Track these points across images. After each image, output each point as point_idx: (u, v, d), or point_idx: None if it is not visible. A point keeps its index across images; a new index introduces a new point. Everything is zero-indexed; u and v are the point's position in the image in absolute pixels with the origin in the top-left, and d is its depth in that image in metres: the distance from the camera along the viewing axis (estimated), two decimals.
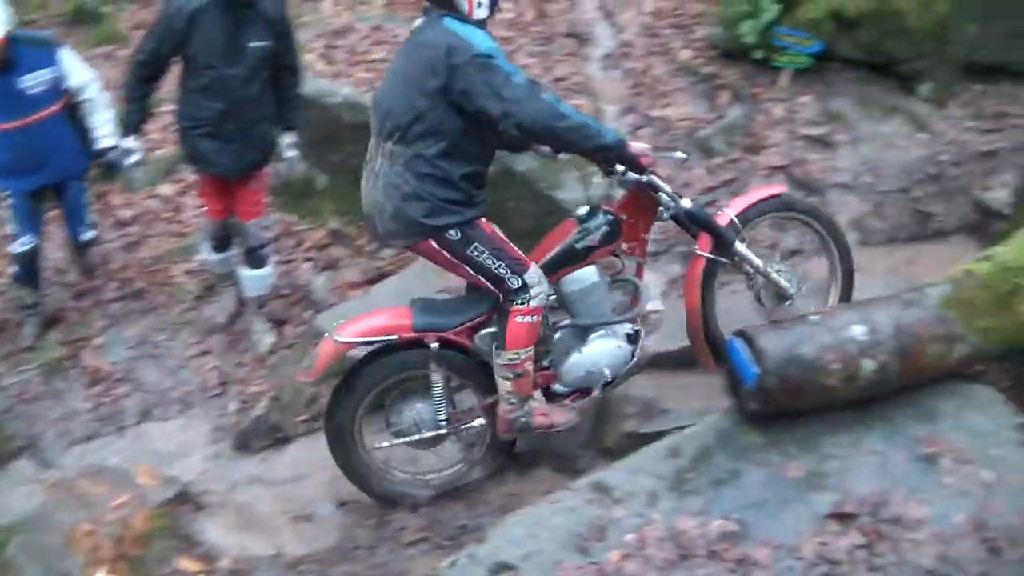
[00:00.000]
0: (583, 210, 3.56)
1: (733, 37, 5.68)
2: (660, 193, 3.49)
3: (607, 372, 3.58)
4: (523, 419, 3.49)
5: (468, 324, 3.47)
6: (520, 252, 3.39)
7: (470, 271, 3.33)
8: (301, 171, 5.16)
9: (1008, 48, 5.26)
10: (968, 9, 5.30)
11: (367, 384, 3.57)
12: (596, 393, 3.64)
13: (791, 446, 3.10)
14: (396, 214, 3.23)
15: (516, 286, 3.29)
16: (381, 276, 5.05)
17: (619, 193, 3.69)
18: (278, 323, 5.05)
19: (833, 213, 4.64)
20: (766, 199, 3.79)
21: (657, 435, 3.46)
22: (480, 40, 3.08)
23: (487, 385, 3.55)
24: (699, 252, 3.64)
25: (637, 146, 3.45)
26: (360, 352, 3.58)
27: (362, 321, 3.50)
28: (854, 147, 5.18)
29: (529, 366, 3.43)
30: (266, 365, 4.86)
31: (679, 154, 3.83)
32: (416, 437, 3.63)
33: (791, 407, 3.09)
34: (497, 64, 3.04)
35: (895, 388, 3.17)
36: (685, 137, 5.35)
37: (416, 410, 3.62)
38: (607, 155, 3.30)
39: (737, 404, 3.18)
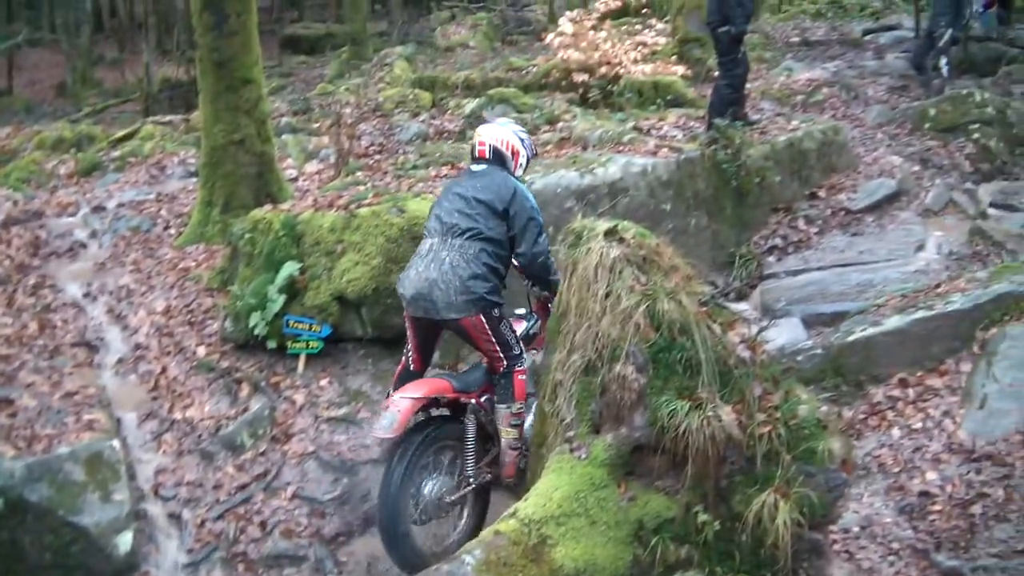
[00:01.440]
0: (522, 311, 4.98)
1: (245, 329, 5.74)
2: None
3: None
4: (524, 458, 4.44)
5: (480, 390, 4.48)
6: None
7: (495, 343, 4.36)
8: None
9: None
10: None
11: (418, 454, 4.22)
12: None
13: None
14: (464, 289, 4.21)
15: (518, 352, 4.44)
16: None
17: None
18: None
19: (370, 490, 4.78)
20: None
21: None
22: (532, 199, 4.52)
23: (482, 447, 4.48)
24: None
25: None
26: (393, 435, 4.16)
27: (413, 388, 4.29)
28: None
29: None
30: None
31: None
32: (449, 499, 4.33)
33: None
34: (540, 223, 4.44)
35: None
36: (211, 436, 5.18)
37: (438, 483, 4.31)
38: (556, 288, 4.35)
39: None
